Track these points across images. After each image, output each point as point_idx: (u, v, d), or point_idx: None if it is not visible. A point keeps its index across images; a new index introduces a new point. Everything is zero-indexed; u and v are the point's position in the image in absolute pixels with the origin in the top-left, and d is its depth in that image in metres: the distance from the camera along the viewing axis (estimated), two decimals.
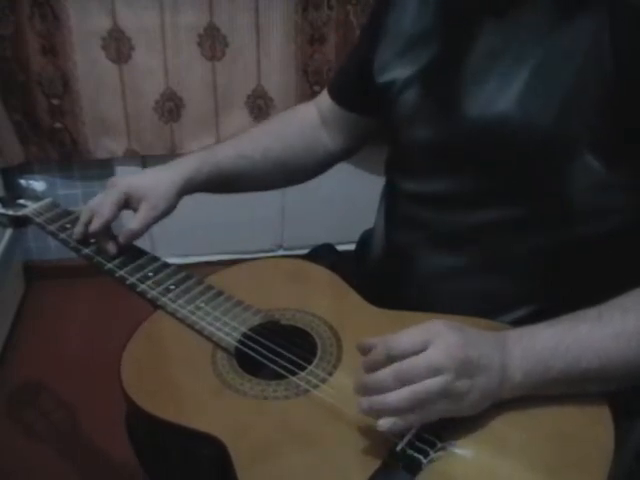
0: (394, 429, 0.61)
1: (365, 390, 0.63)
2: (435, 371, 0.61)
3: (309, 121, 1.01)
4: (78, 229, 0.89)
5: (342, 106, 0.97)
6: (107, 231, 0.87)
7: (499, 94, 0.70)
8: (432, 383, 0.61)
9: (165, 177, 0.89)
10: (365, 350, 0.66)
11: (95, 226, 0.85)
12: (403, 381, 0.61)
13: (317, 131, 1.00)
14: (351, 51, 1.00)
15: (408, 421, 0.61)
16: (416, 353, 0.62)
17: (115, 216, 0.87)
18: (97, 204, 0.87)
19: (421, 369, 0.61)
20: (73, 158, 1.91)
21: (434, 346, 0.62)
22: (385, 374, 0.62)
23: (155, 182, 0.88)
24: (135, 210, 0.87)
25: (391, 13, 0.84)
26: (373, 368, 0.63)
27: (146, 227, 0.87)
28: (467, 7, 0.75)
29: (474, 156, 0.74)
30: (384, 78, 0.84)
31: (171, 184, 0.88)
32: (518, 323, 0.70)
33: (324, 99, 1.00)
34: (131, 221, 0.87)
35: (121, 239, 0.87)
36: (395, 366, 0.62)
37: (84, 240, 0.89)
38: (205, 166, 0.91)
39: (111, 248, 0.87)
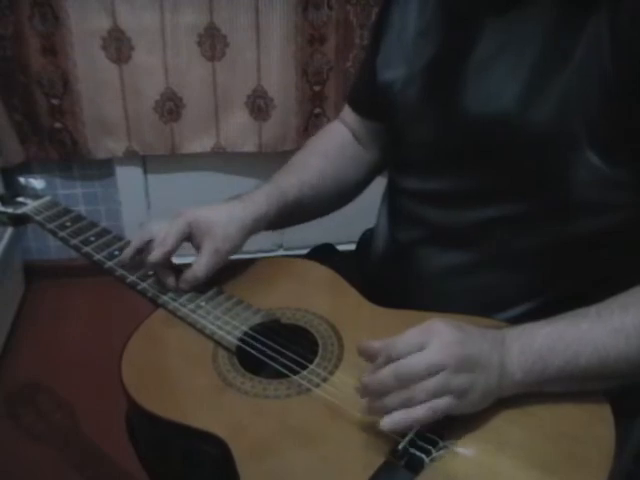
0: (397, 429, 0.61)
1: (367, 391, 0.64)
2: (435, 369, 0.61)
3: (345, 138, 0.97)
4: (128, 252, 0.83)
5: (367, 118, 0.94)
6: (168, 263, 0.82)
7: (500, 92, 0.70)
8: (433, 383, 0.61)
9: (236, 215, 0.83)
10: (367, 354, 0.66)
11: (156, 256, 0.80)
12: (403, 381, 0.61)
13: (355, 146, 0.97)
14: (364, 59, 0.96)
15: (411, 420, 0.61)
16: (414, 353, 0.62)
17: (177, 248, 0.81)
18: (159, 231, 0.82)
19: (421, 368, 0.62)
20: (73, 158, 1.91)
21: (432, 345, 0.63)
22: (385, 375, 0.62)
23: (224, 219, 0.82)
24: (197, 245, 0.82)
25: (393, 10, 0.84)
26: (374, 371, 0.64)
27: (210, 273, 0.81)
28: (468, 5, 0.75)
29: (475, 153, 0.74)
30: (386, 76, 0.84)
31: (241, 225, 0.82)
32: (519, 320, 0.70)
33: (348, 114, 0.97)
34: (194, 264, 0.81)
35: (183, 285, 0.82)
36: (394, 366, 0.62)
37: (131, 266, 0.83)
38: (274, 202, 0.86)
39: (171, 282, 0.82)
